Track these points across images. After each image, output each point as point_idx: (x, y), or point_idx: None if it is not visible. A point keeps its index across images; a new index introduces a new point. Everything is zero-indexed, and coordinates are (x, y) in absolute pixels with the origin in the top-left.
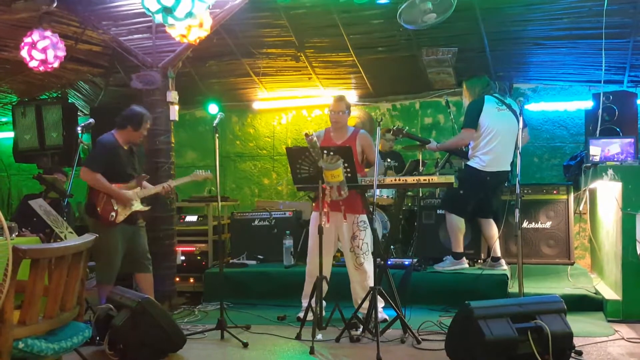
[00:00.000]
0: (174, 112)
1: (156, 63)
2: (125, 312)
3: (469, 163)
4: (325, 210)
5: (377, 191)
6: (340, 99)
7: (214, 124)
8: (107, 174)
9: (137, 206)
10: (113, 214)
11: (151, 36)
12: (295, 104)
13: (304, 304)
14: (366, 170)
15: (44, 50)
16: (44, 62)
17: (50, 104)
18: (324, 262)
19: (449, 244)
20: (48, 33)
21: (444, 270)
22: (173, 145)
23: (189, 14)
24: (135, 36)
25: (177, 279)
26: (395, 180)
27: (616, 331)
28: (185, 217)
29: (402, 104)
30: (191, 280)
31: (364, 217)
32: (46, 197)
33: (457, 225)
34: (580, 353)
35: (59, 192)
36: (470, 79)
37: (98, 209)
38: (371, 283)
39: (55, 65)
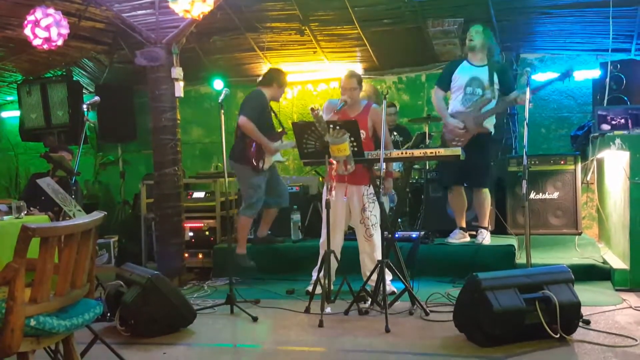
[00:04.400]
0: (179, 88)
1: (160, 39)
2: (136, 288)
3: (489, 129)
4: (333, 184)
5: (384, 164)
6: (351, 75)
7: (220, 100)
8: (258, 126)
9: (278, 157)
10: (262, 162)
11: (154, 12)
12: (301, 78)
13: (314, 276)
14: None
15: (47, 28)
16: (47, 40)
17: (55, 82)
18: (336, 236)
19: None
20: (51, 11)
21: (485, 243)
22: (179, 122)
23: None
24: (139, 12)
25: (186, 255)
26: (402, 153)
27: (624, 300)
28: (192, 193)
29: (408, 76)
30: (200, 256)
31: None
32: (54, 176)
33: (489, 198)
34: (588, 322)
35: (67, 171)
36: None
37: (252, 158)
38: (379, 256)
39: (59, 43)
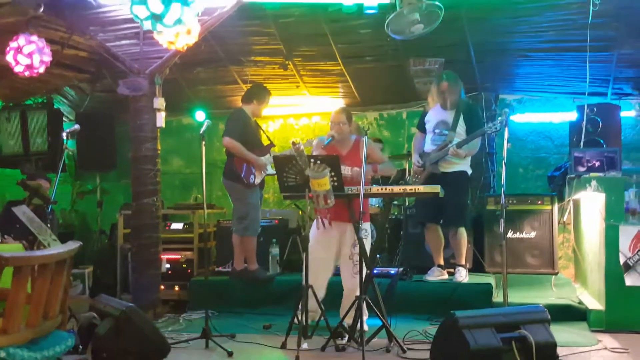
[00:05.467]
0: (161, 118)
1: (143, 69)
2: (109, 320)
3: (463, 168)
4: (319, 217)
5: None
6: (341, 111)
7: (201, 132)
8: (243, 143)
9: (270, 170)
10: (252, 177)
11: (138, 42)
12: (283, 112)
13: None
14: (379, 166)
15: (29, 55)
16: (29, 67)
17: (35, 110)
18: (327, 269)
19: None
20: (34, 38)
21: (463, 281)
22: (159, 152)
23: (178, 21)
24: (123, 42)
25: (162, 287)
26: (381, 189)
27: (599, 341)
28: (170, 224)
29: (389, 113)
30: (176, 289)
31: (366, 225)
32: (30, 204)
33: (465, 236)
34: None
35: (43, 199)
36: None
37: (241, 174)
38: (357, 292)
39: (41, 70)
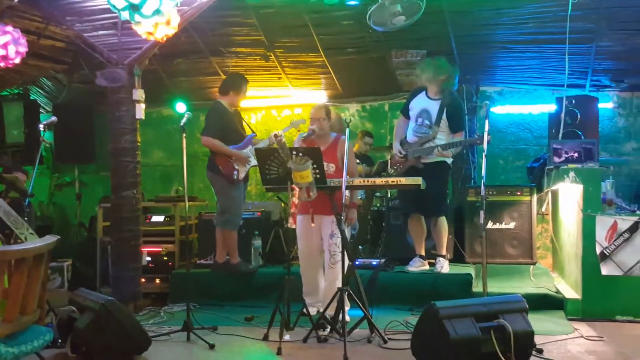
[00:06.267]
0: (140, 110)
1: (122, 60)
2: (89, 314)
3: (443, 159)
4: (293, 211)
5: (347, 192)
6: (320, 107)
7: (181, 124)
8: (223, 137)
9: (253, 162)
10: (235, 172)
11: (117, 33)
12: (265, 103)
13: (307, 300)
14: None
15: (4, 46)
16: (4, 58)
17: (11, 101)
18: (316, 263)
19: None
20: (9, 28)
21: (444, 272)
22: (139, 144)
23: (157, 12)
24: (101, 32)
25: (143, 280)
26: (364, 181)
27: (576, 329)
28: (151, 217)
29: (371, 105)
30: (157, 282)
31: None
32: (6, 197)
33: (446, 226)
34: (541, 351)
35: (20, 192)
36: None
37: (222, 170)
38: (340, 284)
39: (17, 61)
